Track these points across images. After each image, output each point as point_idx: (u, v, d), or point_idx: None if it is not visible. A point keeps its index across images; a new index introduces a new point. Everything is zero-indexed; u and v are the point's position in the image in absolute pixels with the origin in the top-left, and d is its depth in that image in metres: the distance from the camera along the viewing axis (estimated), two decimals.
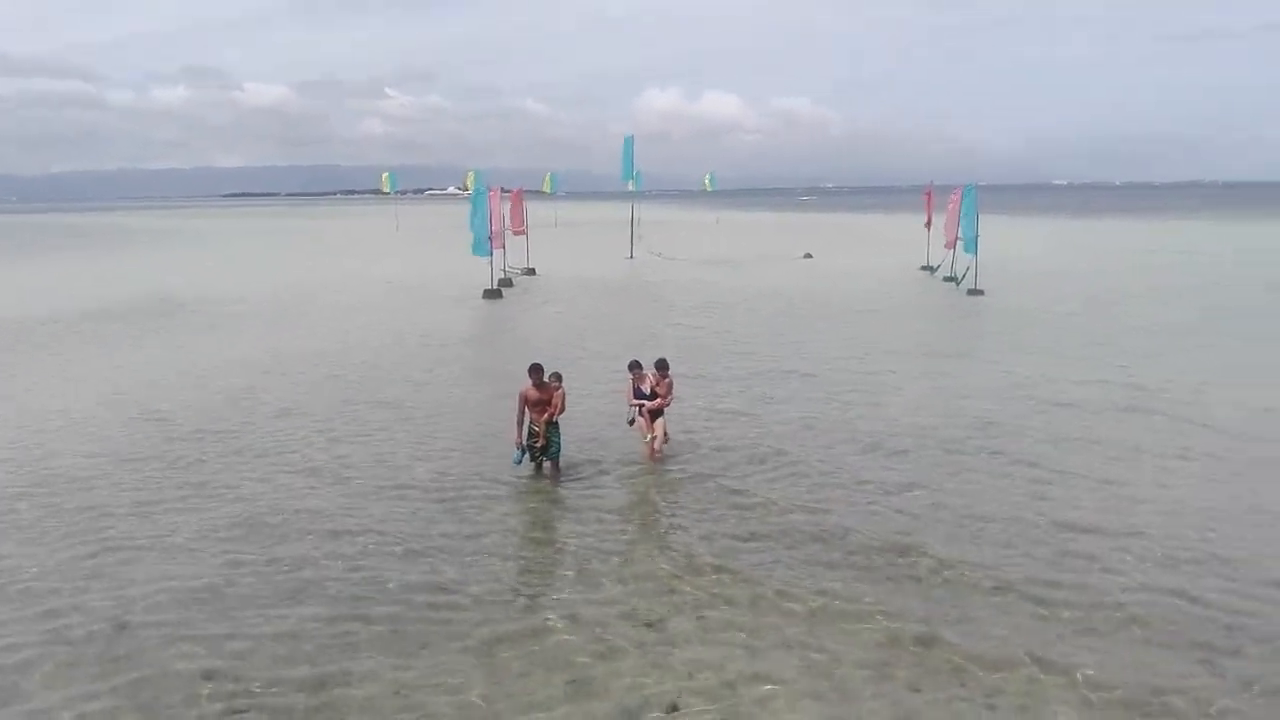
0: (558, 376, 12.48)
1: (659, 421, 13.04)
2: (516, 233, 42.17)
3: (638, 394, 13.02)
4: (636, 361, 13.40)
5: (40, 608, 8.73)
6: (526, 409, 12.11)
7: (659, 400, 13.02)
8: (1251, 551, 9.77)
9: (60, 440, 14.52)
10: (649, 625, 8.31)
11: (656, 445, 12.94)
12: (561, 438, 12.39)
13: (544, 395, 12.12)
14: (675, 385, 13.56)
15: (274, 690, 7.29)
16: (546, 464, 12.34)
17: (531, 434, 12.23)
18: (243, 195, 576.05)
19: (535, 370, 12.19)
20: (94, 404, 17.00)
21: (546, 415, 12.12)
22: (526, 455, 12.17)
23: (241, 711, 7.01)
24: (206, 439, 14.47)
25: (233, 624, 8.36)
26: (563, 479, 12.24)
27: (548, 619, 8.44)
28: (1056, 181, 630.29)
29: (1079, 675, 7.40)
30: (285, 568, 9.59)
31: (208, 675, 7.49)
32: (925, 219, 44.41)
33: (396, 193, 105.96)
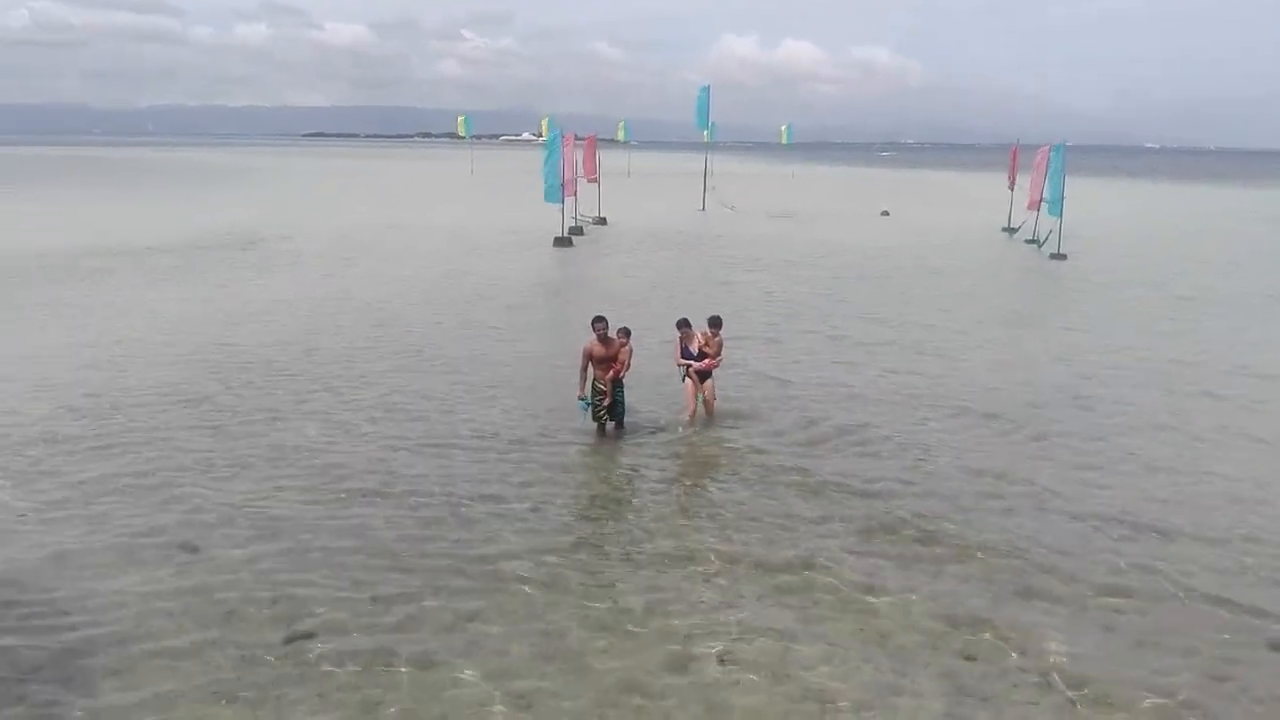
0: (625, 332, 11.86)
1: (707, 383, 12.51)
2: (589, 180, 42.01)
3: (685, 353, 12.43)
4: (685, 319, 12.64)
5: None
6: (591, 365, 11.56)
7: (707, 361, 12.42)
8: None
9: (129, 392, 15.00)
10: (706, 582, 8.31)
11: (703, 408, 12.44)
12: (626, 396, 11.96)
13: (610, 351, 11.49)
14: (732, 346, 13.02)
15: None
16: (610, 424, 11.84)
17: (596, 392, 11.66)
18: (321, 135, 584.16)
19: (600, 323, 11.51)
20: (156, 337, 17.51)
21: (613, 373, 11.55)
22: (589, 411, 11.72)
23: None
24: (279, 376, 14.82)
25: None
26: (625, 439, 11.84)
27: (611, 580, 8.47)
28: (1148, 144, 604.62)
29: None
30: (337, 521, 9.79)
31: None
32: (1009, 178, 43.05)
33: (472, 137, 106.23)
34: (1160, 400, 14.27)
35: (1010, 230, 39.40)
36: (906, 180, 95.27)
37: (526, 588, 8.13)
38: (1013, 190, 41.61)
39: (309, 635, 7.30)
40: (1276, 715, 6.59)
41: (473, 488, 10.32)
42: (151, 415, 12.67)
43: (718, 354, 12.58)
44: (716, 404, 12.70)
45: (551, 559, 8.67)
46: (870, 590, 8.19)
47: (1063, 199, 32.20)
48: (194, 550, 8.74)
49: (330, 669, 6.88)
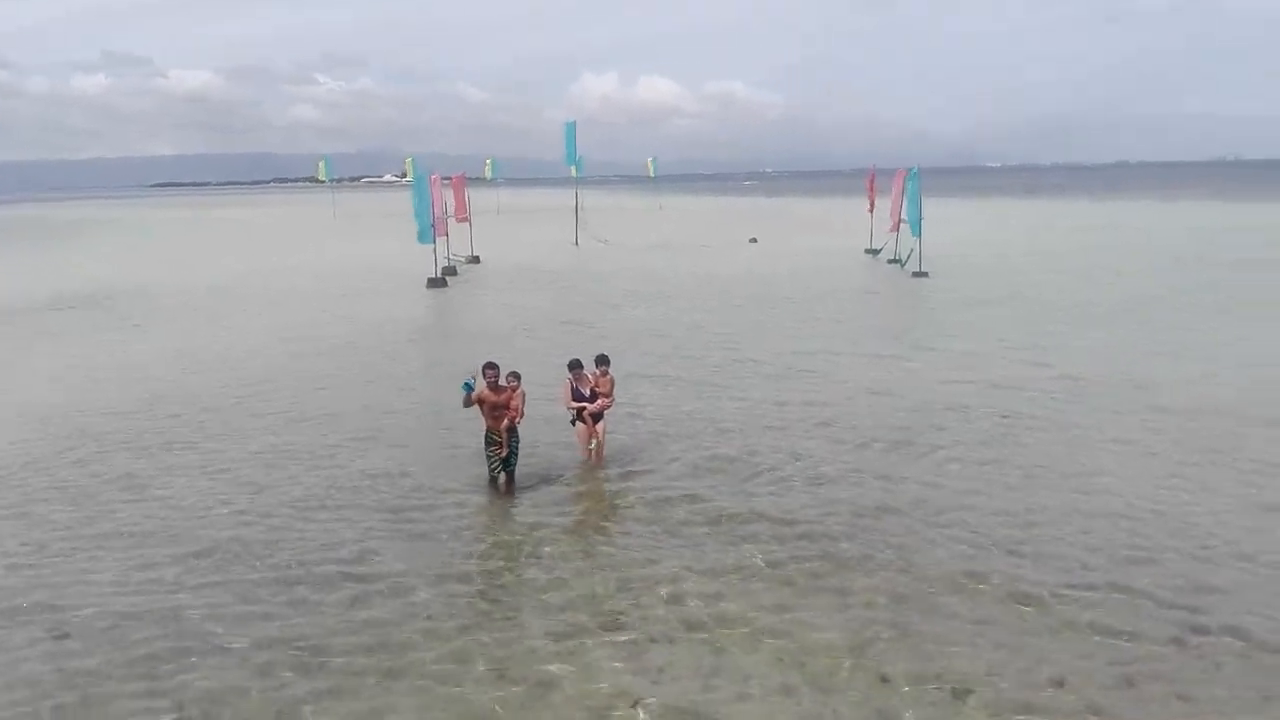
0: (515, 375, 11.18)
1: (599, 424, 12.17)
2: (459, 220, 41.43)
3: (576, 395, 12.01)
4: (576, 360, 12.19)
5: None
6: (482, 414, 11.03)
7: (600, 402, 12.05)
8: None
9: None
10: (612, 629, 8.04)
11: (595, 451, 12.09)
12: (519, 445, 11.32)
13: (501, 398, 10.94)
14: (619, 382, 12.66)
15: None
16: (502, 476, 11.18)
17: (490, 442, 11.10)
18: (171, 185, 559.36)
19: (490, 369, 10.99)
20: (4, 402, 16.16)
21: (507, 420, 10.98)
22: (485, 461, 11.20)
23: None
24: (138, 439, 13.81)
25: None
26: (519, 490, 11.21)
27: (509, 634, 8.11)
28: (990, 164, 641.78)
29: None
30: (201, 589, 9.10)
31: None
32: (868, 202, 44.69)
33: (333, 180, 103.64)
34: (1035, 408, 14.85)
35: (873, 252, 40.83)
36: (771, 208, 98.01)
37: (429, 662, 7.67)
38: (872, 213, 43.21)
39: None
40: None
41: (355, 555, 9.71)
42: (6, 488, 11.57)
43: (610, 393, 12.22)
44: (605, 445, 12.29)
45: (449, 626, 8.23)
46: (782, 617, 8.10)
47: (921, 219, 33.61)
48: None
49: None
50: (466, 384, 10.93)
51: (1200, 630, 7.77)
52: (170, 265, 42.73)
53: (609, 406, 12.29)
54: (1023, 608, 8.22)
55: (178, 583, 8.96)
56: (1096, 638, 7.69)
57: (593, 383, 12.09)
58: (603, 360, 12.26)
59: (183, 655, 7.62)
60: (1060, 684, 7.02)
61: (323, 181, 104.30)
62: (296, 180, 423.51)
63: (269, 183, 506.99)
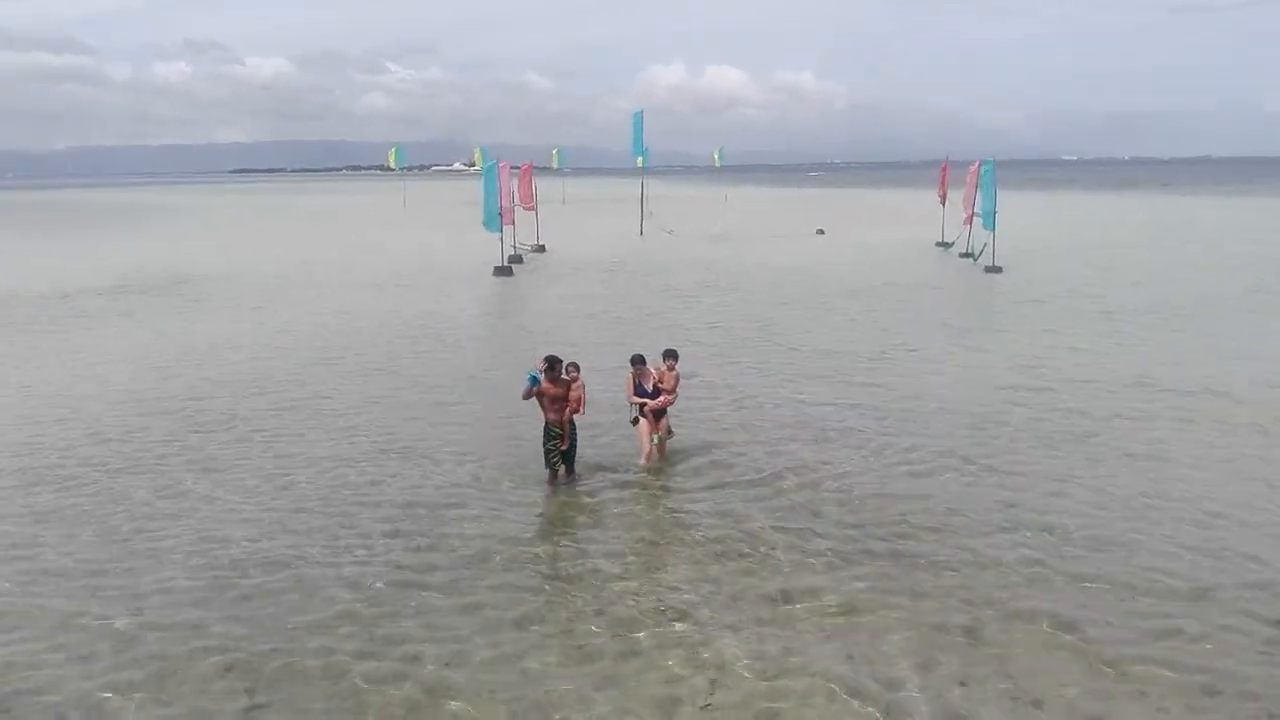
0: (575, 367, 11.23)
1: (663, 421, 11.92)
2: (526, 208, 41.71)
3: (639, 390, 11.75)
4: (640, 355, 12.00)
5: None
6: (542, 405, 11.02)
7: (663, 398, 11.78)
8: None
9: (57, 431, 14.22)
10: (676, 620, 7.99)
11: (658, 447, 11.83)
12: (578, 437, 11.31)
13: (561, 390, 10.93)
14: (683, 377, 12.43)
15: None
16: (561, 468, 11.18)
17: (551, 435, 11.06)
18: (246, 171, 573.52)
19: (551, 363, 10.96)
20: (63, 386, 16.69)
21: (567, 412, 10.99)
22: (543, 455, 11.13)
23: None
24: (226, 424, 14.15)
25: None
26: (577, 484, 11.15)
27: (576, 623, 8.11)
28: (1066, 157, 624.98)
29: None
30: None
31: None
32: (940, 194, 43.83)
33: (403, 168, 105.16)
34: (1119, 411, 14.38)
35: (945, 245, 40.04)
36: (838, 199, 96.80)
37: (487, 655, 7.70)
38: (944, 205, 42.35)
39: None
40: None
41: (413, 553, 9.75)
42: (93, 469, 11.96)
43: (674, 389, 11.93)
44: (668, 442, 12.04)
45: (510, 633, 8.25)
46: (851, 618, 7.96)
47: (995, 212, 32.82)
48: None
49: None
50: (532, 376, 10.92)
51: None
52: (244, 251, 43.82)
53: (672, 403, 11.99)
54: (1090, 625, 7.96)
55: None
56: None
57: (657, 378, 11.85)
58: (670, 355, 12.06)
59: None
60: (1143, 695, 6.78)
61: (393, 169, 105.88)
62: (368, 168, 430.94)
63: (341, 170, 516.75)
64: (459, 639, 7.68)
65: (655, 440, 11.82)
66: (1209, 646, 7.44)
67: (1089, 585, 8.47)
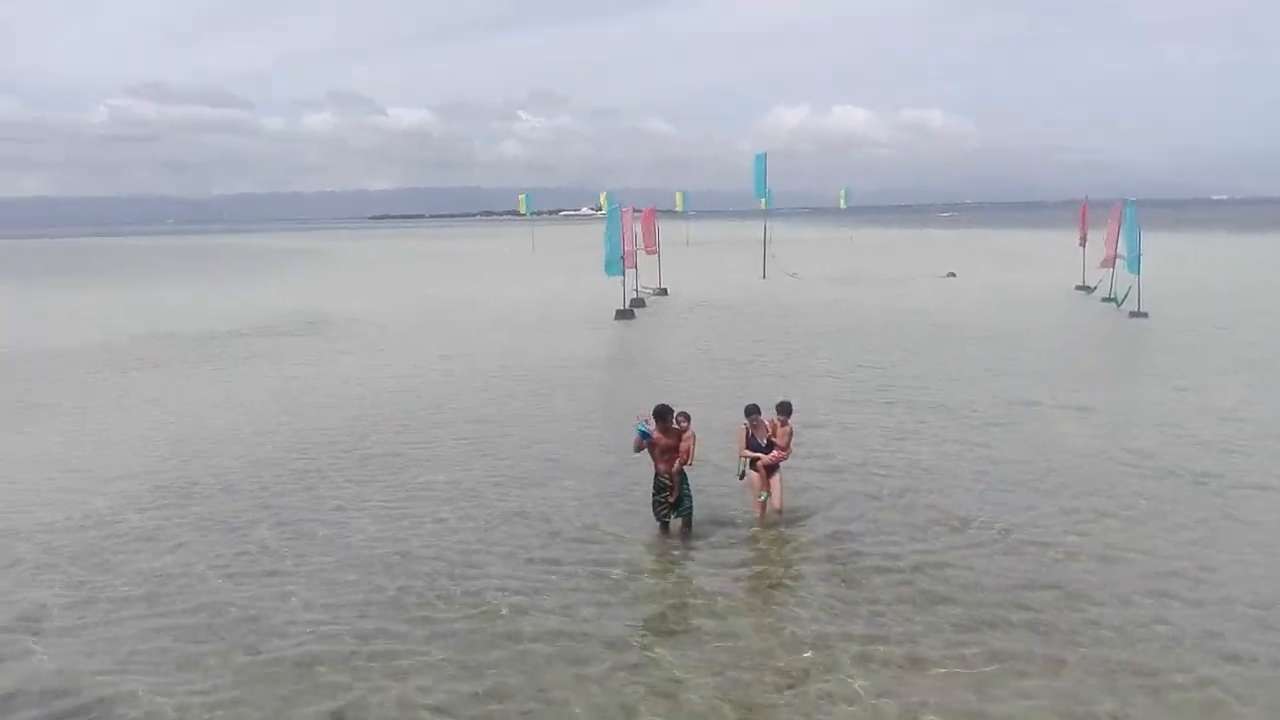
0: (685, 416, 10.85)
1: (775, 478, 11.33)
2: (649, 252, 41.98)
3: (752, 444, 11.28)
4: (755, 405, 11.49)
5: None
6: (652, 458, 10.76)
7: (775, 453, 11.24)
8: None
9: (197, 463, 14.84)
10: (785, 689, 7.55)
11: (771, 505, 11.29)
12: (692, 490, 10.97)
13: (672, 441, 10.61)
14: (799, 429, 11.84)
15: None
16: (676, 521, 10.86)
17: (661, 487, 10.75)
18: (387, 217, 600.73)
19: (662, 414, 10.63)
20: (225, 423, 17.42)
21: (677, 464, 10.65)
22: (652, 507, 10.86)
23: None
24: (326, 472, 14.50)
25: None
26: (691, 540, 10.73)
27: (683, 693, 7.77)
28: (1215, 196, 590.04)
29: None
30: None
31: None
32: (1080, 235, 41.82)
33: (532, 214, 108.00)
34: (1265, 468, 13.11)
35: (1086, 289, 38.11)
36: (969, 240, 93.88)
37: None
38: (1084, 247, 40.39)
39: None
40: None
41: (526, 600, 9.55)
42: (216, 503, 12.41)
43: (787, 445, 11.40)
44: (782, 499, 11.43)
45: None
46: (982, 698, 7.35)
47: (1140, 255, 31.02)
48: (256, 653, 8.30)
49: None
50: (642, 430, 10.65)
51: None
52: (381, 294, 45.54)
53: (785, 459, 11.46)
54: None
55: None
56: None
57: (770, 431, 11.33)
58: (785, 409, 11.51)
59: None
60: None
61: (523, 214, 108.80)
62: (501, 213, 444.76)
63: (476, 215, 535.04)
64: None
65: (763, 497, 11.31)
66: None
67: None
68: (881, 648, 8.17)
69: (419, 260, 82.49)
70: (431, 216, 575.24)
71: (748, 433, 11.30)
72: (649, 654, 8.22)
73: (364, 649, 8.35)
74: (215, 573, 10.18)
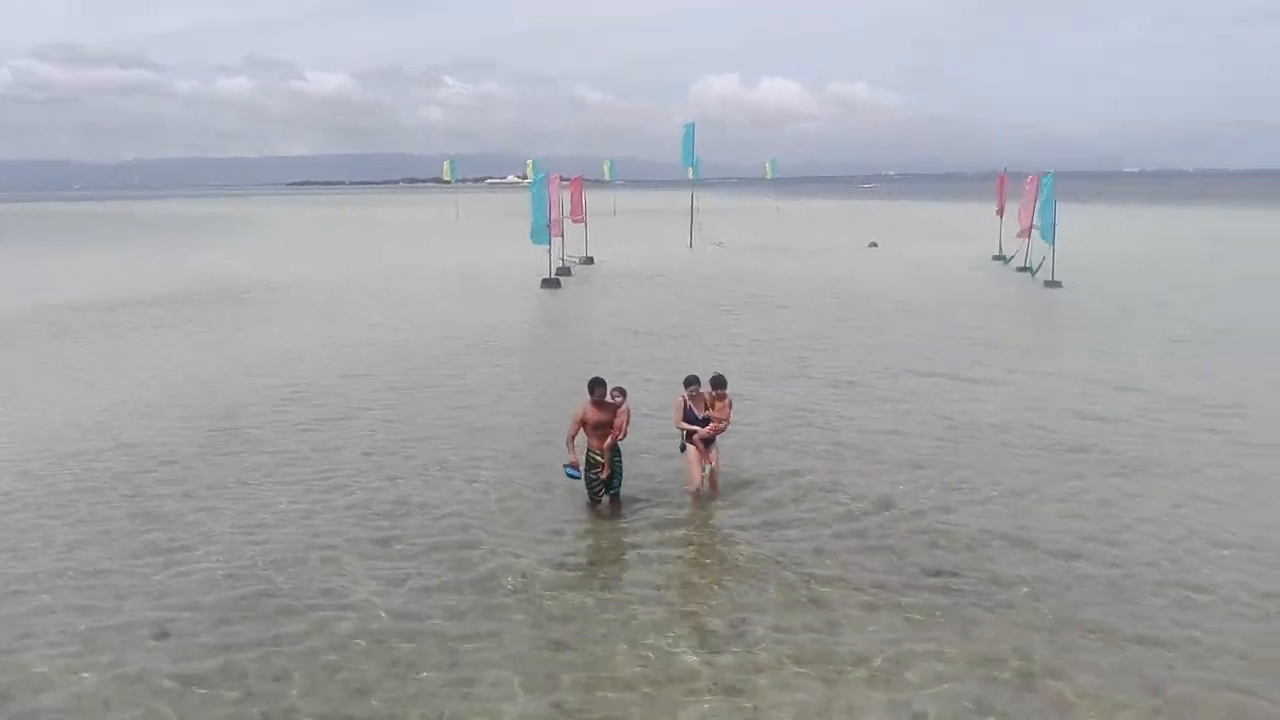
0: (621, 391, 10.59)
1: (713, 451, 11.09)
2: (575, 221, 41.64)
3: (689, 416, 11.00)
4: (694, 377, 11.13)
5: None
6: (584, 432, 10.42)
7: (713, 426, 10.99)
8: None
9: (105, 434, 14.25)
10: (715, 658, 7.57)
11: (709, 479, 11.01)
12: (623, 465, 10.70)
13: (606, 416, 10.31)
14: (735, 400, 11.54)
15: None
16: (606, 498, 10.57)
17: (592, 463, 10.40)
18: (306, 184, 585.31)
19: (597, 386, 10.32)
20: (130, 396, 16.76)
21: (610, 439, 10.36)
22: (585, 484, 10.53)
23: None
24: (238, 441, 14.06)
25: None
26: (622, 516, 10.49)
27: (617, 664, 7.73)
28: (1128, 169, 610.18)
29: None
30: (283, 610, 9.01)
31: None
32: (997, 206, 42.81)
33: (457, 181, 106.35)
34: (1196, 441, 13.61)
35: (1002, 259, 39.06)
36: (892, 212, 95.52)
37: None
38: (1001, 218, 41.36)
39: None
40: None
41: (438, 585, 9.41)
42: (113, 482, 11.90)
43: (726, 417, 11.16)
44: (719, 474, 11.20)
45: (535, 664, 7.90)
46: (898, 649, 7.47)
47: (1055, 225, 31.85)
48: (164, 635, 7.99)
49: None
50: (570, 473, 10.48)
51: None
52: (298, 262, 44.29)
53: (723, 430, 11.19)
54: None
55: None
56: None
57: (708, 404, 11.08)
58: (719, 383, 11.16)
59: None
60: None
61: (448, 182, 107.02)
62: (424, 180, 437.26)
63: (398, 183, 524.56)
64: (477, 665, 7.36)
65: (706, 471, 11.01)
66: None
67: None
68: (806, 617, 8.24)
69: (340, 228, 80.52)
70: (353, 183, 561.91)
71: (685, 405, 11.02)
72: (570, 627, 8.14)
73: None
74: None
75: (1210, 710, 6.76)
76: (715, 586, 8.91)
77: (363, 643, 7.80)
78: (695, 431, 10.99)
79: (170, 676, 7.31)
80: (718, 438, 11.20)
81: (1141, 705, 6.80)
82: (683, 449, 11.21)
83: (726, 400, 11.19)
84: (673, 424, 11.31)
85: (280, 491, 11.50)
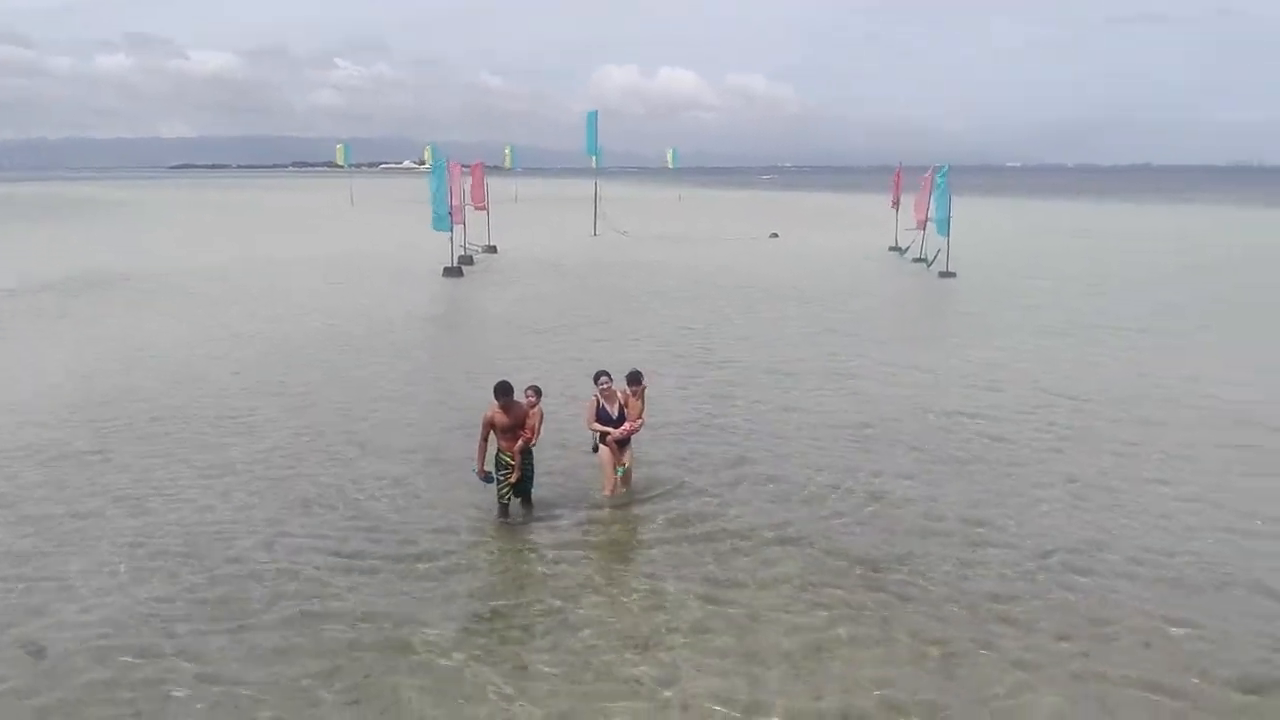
0: (535, 391, 10.05)
1: (628, 452, 10.66)
2: (478, 208, 40.90)
3: (602, 416, 10.47)
4: (605, 372, 10.62)
5: None
6: (494, 434, 9.91)
7: (627, 425, 10.49)
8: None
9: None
10: (638, 656, 7.44)
11: (623, 480, 10.63)
12: (535, 467, 10.31)
13: (516, 418, 9.84)
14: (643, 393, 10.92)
15: None
16: (515, 501, 10.12)
17: (502, 466, 9.93)
18: (190, 166, 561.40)
19: (504, 390, 9.77)
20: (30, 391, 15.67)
21: (521, 442, 9.89)
22: (496, 488, 10.03)
23: None
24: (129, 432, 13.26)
25: None
26: (533, 521, 10.08)
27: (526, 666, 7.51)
28: (1010, 164, 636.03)
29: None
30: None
31: None
32: (893, 199, 43.87)
33: (351, 166, 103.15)
34: (1072, 420, 14.13)
35: (899, 250, 40.04)
36: (790, 202, 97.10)
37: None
38: (897, 210, 42.40)
39: None
40: None
41: (348, 586, 9.02)
42: None
43: (639, 415, 10.67)
44: (633, 473, 10.82)
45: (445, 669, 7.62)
46: (821, 651, 7.48)
47: (949, 218, 32.81)
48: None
49: None
50: (480, 478, 10.02)
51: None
52: (183, 249, 42.26)
53: (638, 430, 10.71)
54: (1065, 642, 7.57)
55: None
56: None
57: (622, 401, 10.62)
58: (635, 379, 10.69)
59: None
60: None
61: (341, 167, 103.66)
62: (316, 165, 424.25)
63: (288, 167, 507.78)
64: (393, 669, 7.06)
65: (620, 472, 10.63)
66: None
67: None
68: (726, 609, 8.19)
69: (227, 213, 77.13)
70: (239, 167, 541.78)
71: (597, 404, 10.53)
72: (488, 640, 7.90)
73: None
74: None
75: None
76: (633, 586, 8.77)
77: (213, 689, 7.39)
78: (608, 433, 10.50)
79: None
80: (635, 438, 10.76)
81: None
82: (595, 450, 10.71)
83: (641, 400, 10.73)
84: (584, 425, 10.81)
85: (161, 485, 10.87)
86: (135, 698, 6.84)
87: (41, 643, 7.56)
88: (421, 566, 9.01)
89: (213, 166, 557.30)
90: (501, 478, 9.98)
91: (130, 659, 7.32)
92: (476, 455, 9.97)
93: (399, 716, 6.64)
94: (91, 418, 14.03)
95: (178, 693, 6.88)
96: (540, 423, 10.04)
